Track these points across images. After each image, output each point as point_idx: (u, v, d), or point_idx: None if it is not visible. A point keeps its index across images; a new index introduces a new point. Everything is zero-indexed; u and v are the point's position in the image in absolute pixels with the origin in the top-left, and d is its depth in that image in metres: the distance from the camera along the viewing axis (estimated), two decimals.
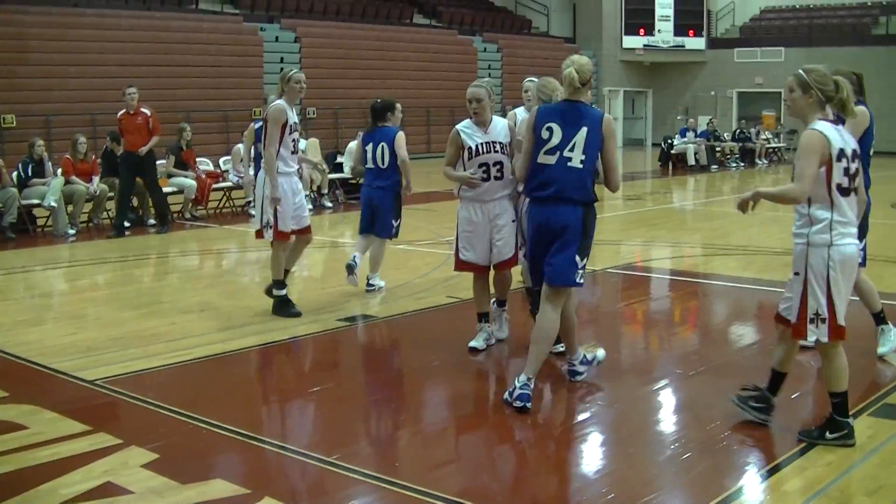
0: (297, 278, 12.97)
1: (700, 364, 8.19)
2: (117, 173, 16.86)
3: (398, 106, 11.16)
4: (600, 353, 7.85)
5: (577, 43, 44.06)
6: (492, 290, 8.71)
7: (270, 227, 9.56)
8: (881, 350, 8.06)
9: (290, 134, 9.61)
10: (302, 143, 20.26)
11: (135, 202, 17.52)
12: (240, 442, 6.26)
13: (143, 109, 16.32)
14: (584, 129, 6.80)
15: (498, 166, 8.15)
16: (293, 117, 9.63)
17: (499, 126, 8.23)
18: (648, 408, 7.20)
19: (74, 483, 5.47)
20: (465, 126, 8.23)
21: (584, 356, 7.67)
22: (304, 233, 9.97)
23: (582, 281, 7.06)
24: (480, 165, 8.13)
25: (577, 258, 6.91)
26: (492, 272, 8.54)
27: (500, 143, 8.15)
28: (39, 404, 6.99)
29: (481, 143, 8.12)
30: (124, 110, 16.41)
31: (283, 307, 9.78)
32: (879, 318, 8.15)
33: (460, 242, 8.42)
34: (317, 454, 6.00)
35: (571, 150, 6.81)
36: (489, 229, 8.27)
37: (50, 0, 27.61)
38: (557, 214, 6.87)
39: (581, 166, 6.82)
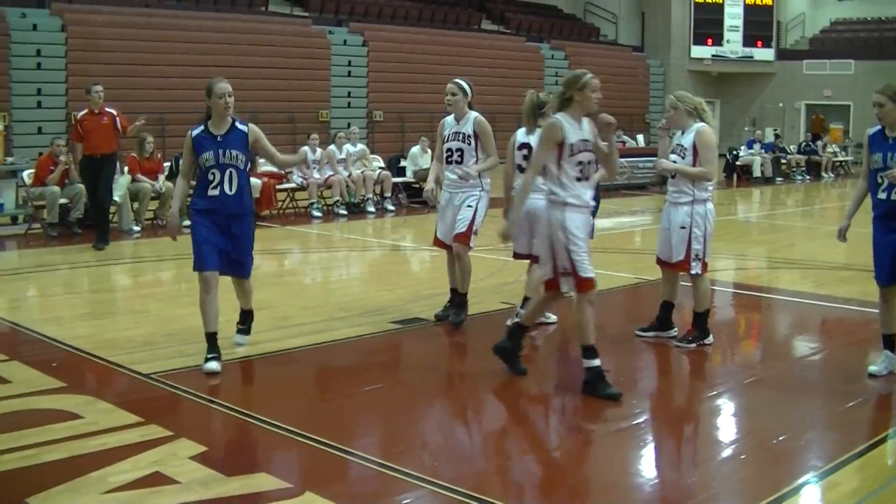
0: (354, 279, 13.08)
1: (756, 373, 8.23)
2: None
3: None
4: None
5: (644, 52, 43.90)
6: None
7: (568, 273, 7.37)
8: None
9: (574, 155, 7.34)
10: (352, 148, 20.52)
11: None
12: (287, 438, 6.35)
13: (108, 109, 14.87)
14: None
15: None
16: (576, 134, 7.36)
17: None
18: (704, 413, 7.25)
19: (123, 472, 5.59)
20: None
21: None
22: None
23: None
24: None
25: None
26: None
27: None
28: (95, 395, 7.16)
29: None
30: (86, 110, 14.83)
31: (598, 384, 7.35)
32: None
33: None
34: (362, 452, 6.07)
35: None
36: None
37: (122, 0, 28.05)
38: None
39: None
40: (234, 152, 7.91)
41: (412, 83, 32.24)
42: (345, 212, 19.55)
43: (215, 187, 7.90)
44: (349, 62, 32.00)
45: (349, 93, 31.88)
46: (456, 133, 9.44)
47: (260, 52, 29.07)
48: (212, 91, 7.89)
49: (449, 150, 9.50)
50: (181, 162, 8.29)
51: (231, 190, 7.92)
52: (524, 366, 7.91)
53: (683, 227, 8.60)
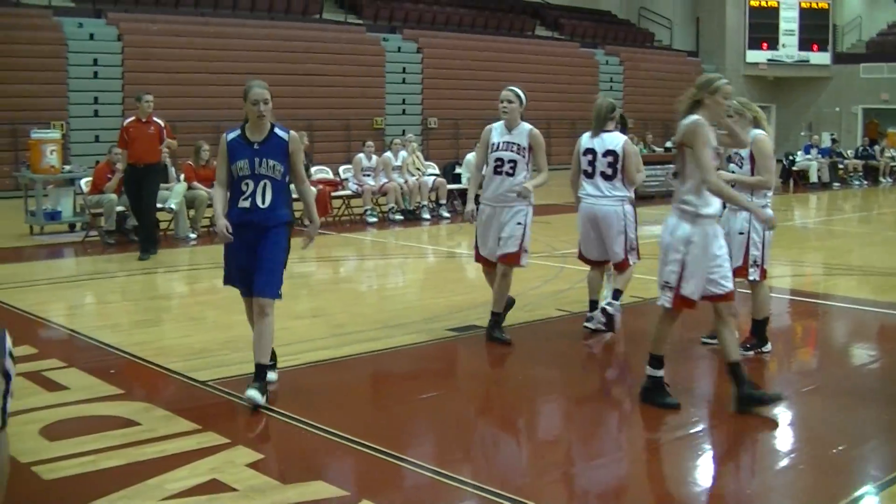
0: (410, 286, 13.07)
1: (814, 382, 8.16)
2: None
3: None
4: None
5: (699, 57, 43.65)
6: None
7: (670, 287, 7.08)
8: None
9: (713, 160, 6.97)
10: (403, 153, 20.56)
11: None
12: (343, 446, 6.34)
13: (155, 119, 14.69)
14: None
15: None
16: (714, 138, 7.00)
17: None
18: (762, 421, 7.16)
19: (181, 479, 5.62)
20: None
21: None
22: (722, 300, 7.27)
23: None
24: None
25: None
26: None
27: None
28: (152, 402, 7.20)
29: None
30: (133, 118, 14.75)
31: (658, 393, 7.23)
32: None
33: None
34: (418, 460, 6.07)
35: None
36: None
37: (176, 9, 28.32)
38: None
39: None
40: (271, 162, 7.18)
41: (466, 90, 32.24)
42: (400, 217, 19.60)
43: (247, 198, 7.22)
44: (404, 69, 32.11)
45: (404, 100, 31.98)
46: (508, 143, 9.03)
47: (314, 59, 29.25)
48: (247, 95, 7.23)
49: (499, 160, 9.04)
50: (217, 169, 7.47)
51: (264, 203, 7.20)
52: (777, 392, 7.38)
53: (741, 234, 8.53)
